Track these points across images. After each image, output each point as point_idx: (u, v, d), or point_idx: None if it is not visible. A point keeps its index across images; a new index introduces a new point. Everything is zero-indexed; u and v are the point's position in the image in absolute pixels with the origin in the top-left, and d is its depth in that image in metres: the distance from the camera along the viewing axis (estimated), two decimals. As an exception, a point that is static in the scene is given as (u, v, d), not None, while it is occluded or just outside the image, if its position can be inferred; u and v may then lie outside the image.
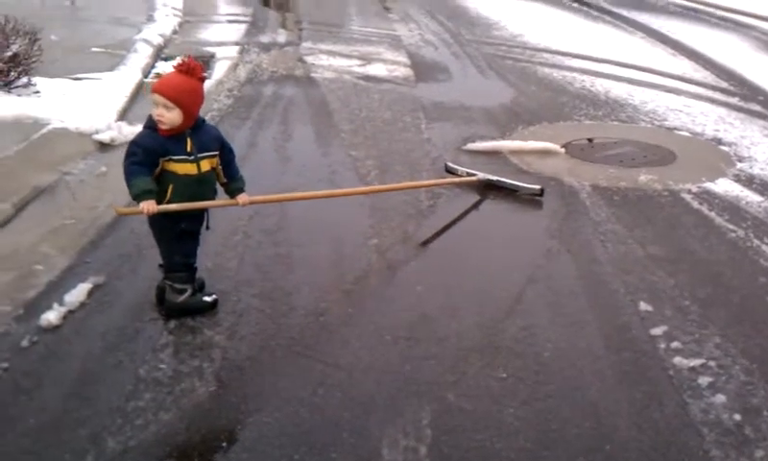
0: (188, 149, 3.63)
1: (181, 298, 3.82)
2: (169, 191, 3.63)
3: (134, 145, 3.61)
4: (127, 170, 3.58)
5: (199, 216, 3.81)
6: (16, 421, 3.08)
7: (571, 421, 3.17)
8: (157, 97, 3.56)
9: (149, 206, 3.53)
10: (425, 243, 4.81)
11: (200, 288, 3.95)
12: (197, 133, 3.68)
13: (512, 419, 3.17)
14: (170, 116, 3.56)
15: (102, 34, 10.31)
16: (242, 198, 3.90)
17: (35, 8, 11.23)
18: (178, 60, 3.71)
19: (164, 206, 3.60)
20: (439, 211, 5.23)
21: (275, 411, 3.17)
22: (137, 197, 3.55)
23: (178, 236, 3.76)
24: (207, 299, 3.90)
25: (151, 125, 3.64)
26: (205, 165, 3.70)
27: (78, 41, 9.66)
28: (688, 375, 3.47)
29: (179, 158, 3.62)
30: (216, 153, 3.76)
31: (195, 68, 3.63)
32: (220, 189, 3.90)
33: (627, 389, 3.38)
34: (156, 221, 3.71)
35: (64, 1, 12.65)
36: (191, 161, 3.65)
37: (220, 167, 3.82)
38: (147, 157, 3.57)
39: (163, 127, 3.59)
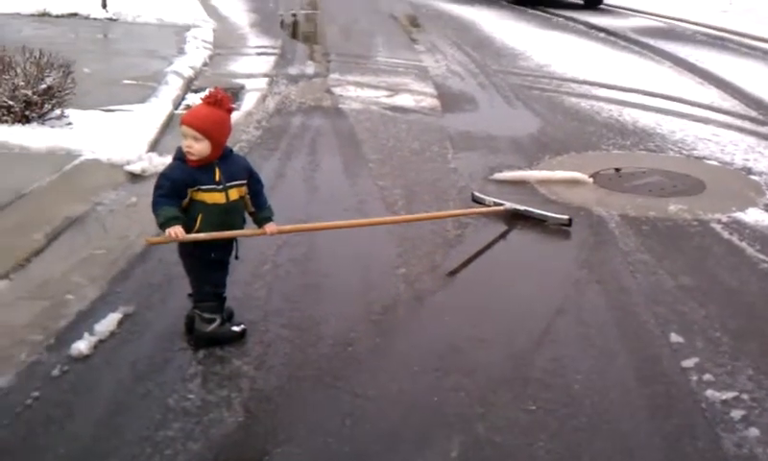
0: (217, 178, 3.67)
1: (210, 327, 3.84)
2: (198, 220, 3.66)
3: (163, 178, 3.67)
4: (154, 202, 3.64)
5: (228, 245, 3.84)
6: (47, 450, 3.10)
7: (602, 454, 3.13)
8: (186, 129, 3.62)
9: (175, 230, 3.56)
10: (453, 273, 4.80)
11: (228, 318, 3.97)
12: (225, 162, 3.73)
13: (542, 452, 3.14)
14: (199, 147, 3.61)
15: (133, 66, 10.46)
16: (270, 227, 3.92)
17: (68, 41, 11.45)
18: (206, 92, 3.76)
19: (193, 236, 3.64)
20: (466, 241, 5.22)
21: (303, 442, 3.17)
22: (163, 225, 3.59)
23: (207, 266, 3.79)
24: (236, 329, 3.92)
25: (180, 156, 3.70)
26: (234, 194, 3.74)
27: (110, 74, 9.81)
28: (721, 408, 3.42)
29: (207, 188, 3.66)
30: (244, 182, 3.80)
31: (223, 100, 3.68)
32: (249, 219, 3.93)
33: (659, 422, 3.34)
34: (186, 250, 3.76)
35: (97, 34, 12.89)
36: (220, 191, 3.69)
37: (248, 197, 3.85)
38: (174, 190, 3.62)
39: (192, 158, 3.64)
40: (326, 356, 3.80)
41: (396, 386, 3.57)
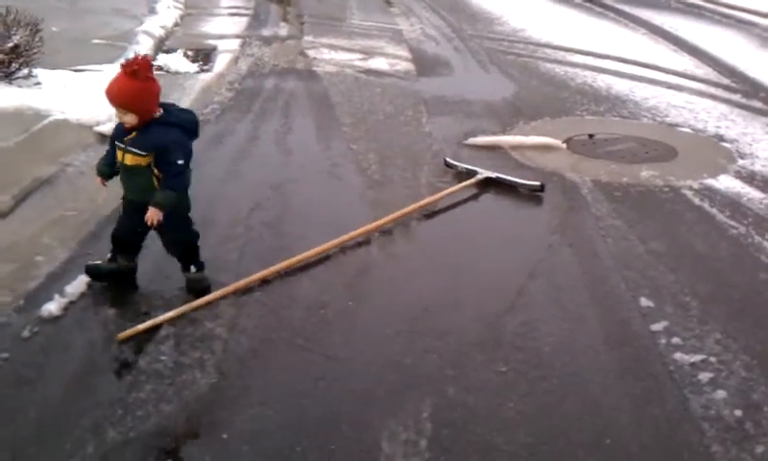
0: (126, 138, 3.71)
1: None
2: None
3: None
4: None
5: (138, 207, 3.79)
6: (17, 411, 3.08)
7: (571, 415, 3.17)
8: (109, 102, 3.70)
9: (97, 179, 3.97)
10: (426, 237, 4.81)
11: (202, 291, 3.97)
12: (151, 129, 3.69)
13: (512, 413, 3.17)
14: (128, 119, 3.68)
15: (103, 25, 10.29)
16: (150, 212, 3.71)
17: (36, -1, 11.21)
18: (124, 60, 3.72)
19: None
20: (440, 206, 5.21)
21: (275, 403, 3.18)
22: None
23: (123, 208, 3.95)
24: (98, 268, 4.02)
25: None
26: (129, 160, 3.73)
27: (79, 33, 9.64)
28: (689, 370, 3.47)
29: (118, 144, 3.77)
30: (144, 154, 3.70)
31: (139, 70, 3.61)
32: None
33: (627, 384, 3.38)
34: None
35: (66, -8, 12.62)
36: (121, 148, 3.74)
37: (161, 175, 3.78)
38: (112, 143, 3.85)
39: (127, 126, 3.70)
40: (299, 319, 3.80)
41: (369, 348, 3.59)
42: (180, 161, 3.71)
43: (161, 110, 3.75)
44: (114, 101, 3.65)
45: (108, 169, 3.90)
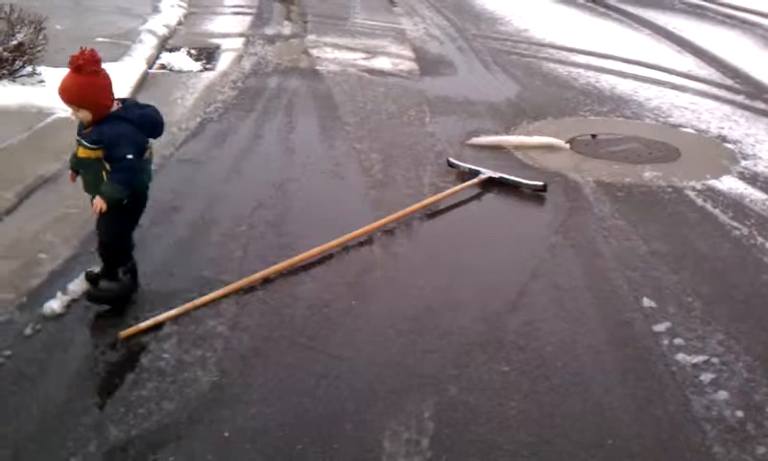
0: (82, 132, 3.70)
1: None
2: None
3: None
4: None
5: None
6: (20, 409, 3.08)
7: (573, 415, 3.17)
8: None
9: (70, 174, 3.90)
10: (429, 237, 4.80)
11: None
12: (103, 123, 3.64)
13: (514, 412, 3.17)
14: (81, 115, 3.65)
15: (107, 24, 10.29)
16: (96, 200, 3.65)
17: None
18: (72, 54, 3.64)
19: None
20: (442, 205, 5.22)
21: (277, 401, 3.18)
22: None
23: None
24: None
25: None
26: (81, 152, 3.71)
27: (83, 31, 9.63)
28: (691, 371, 3.47)
29: (76, 136, 3.74)
30: (93, 147, 3.66)
31: (84, 64, 3.58)
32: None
33: (629, 385, 3.38)
34: None
35: (69, -10, 12.63)
36: (77, 140, 3.72)
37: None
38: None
39: (85, 123, 3.67)
40: (301, 317, 3.81)
41: (371, 347, 3.59)
42: (129, 156, 3.63)
43: (119, 104, 3.72)
44: (63, 99, 3.62)
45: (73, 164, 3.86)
